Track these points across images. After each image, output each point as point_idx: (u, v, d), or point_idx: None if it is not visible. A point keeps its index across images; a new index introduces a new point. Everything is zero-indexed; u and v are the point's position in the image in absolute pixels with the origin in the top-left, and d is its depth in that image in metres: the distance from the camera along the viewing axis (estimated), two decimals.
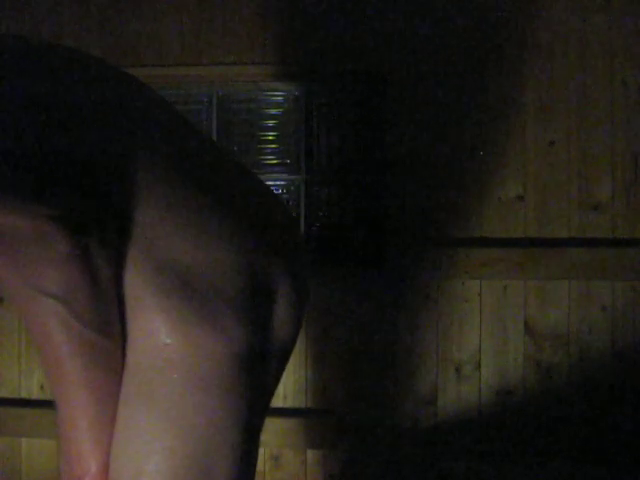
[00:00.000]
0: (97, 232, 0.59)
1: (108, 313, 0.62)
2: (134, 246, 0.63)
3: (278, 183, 2.46)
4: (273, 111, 2.48)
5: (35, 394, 2.42)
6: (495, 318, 2.24)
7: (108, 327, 0.62)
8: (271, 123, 2.48)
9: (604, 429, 2.18)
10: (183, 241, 0.65)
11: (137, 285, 0.64)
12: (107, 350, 0.62)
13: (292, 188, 2.45)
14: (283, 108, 2.47)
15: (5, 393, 2.43)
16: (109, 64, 0.72)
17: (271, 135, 2.48)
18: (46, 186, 0.55)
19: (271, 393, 0.79)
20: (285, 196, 2.46)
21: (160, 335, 0.64)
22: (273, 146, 2.48)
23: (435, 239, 2.27)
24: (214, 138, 2.46)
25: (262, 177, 2.59)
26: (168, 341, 0.64)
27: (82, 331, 0.60)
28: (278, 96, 2.47)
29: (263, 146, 2.48)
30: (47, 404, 2.40)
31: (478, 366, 2.25)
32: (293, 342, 0.79)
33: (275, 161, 2.47)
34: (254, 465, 0.75)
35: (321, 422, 2.27)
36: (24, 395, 2.42)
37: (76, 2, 2.42)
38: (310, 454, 2.30)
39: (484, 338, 2.25)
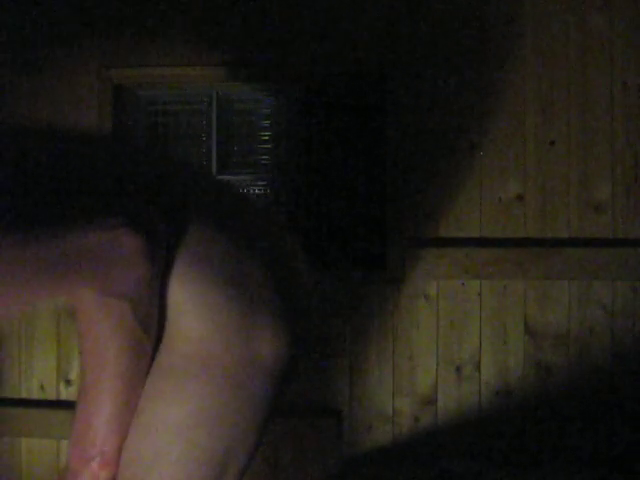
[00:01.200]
0: (157, 237, 0.67)
1: (154, 312, 0.69)
2: (182, 259, 0.70)
3: (277, 183, 2.46)
4: (273, 111, 2.48)
5: (35, 394, 2.42)
6: (495, 318, 2.24)
7: (151, 325, 0.69)
8: (271, 123, 2.48)
9: (604, 429, 2.18)
10: (230, 261, 0.73)
11: (181, 294, 0.70)
12: (145, 347, 0.69)
13: (291, 188, 2.45)
14: (281, 109, 2.47)
15: (5, 393, 2.43)
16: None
17: (271, 135, 2.48)
18: (118, 203, 0.66)
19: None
20: (284, 197, 2.46)
21: (200, 344, 0.70)
22: (273, 146, 2.48)
23: (435, 239, 2.27)
24: (214, 138, 2.46)
25: (261, 177, 2.59)
26: (206, 348, 0.70)
27: (136, 330, 0.66)
28: (277, 96, 2.47)
29: (263, 146, 2.48)
30: (47, 404, 2.40)
31: (478, 366, 2.25)
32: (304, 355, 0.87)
33: (274, 161, 2.47)
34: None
35: (321, 422, 2.27)
36: (24, 395, 2.42)
37: (76, 2, 2.42)
38: (310, 454, 2.30)
39: (484, 338, 2.25)
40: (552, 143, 2.24)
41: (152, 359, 0.71)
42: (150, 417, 0.70)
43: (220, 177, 2.34)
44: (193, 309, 0.70)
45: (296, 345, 0.77)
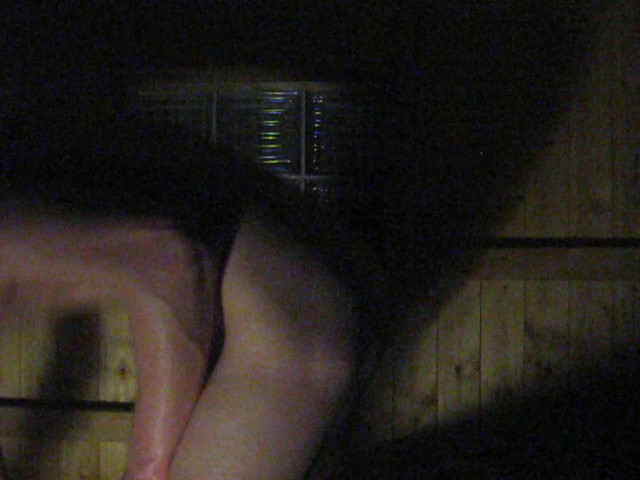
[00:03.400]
0: (208, 239, 0.67)
1: (204, 322, 0.68)
2: (243, 270, 0.70)
3: None
4: (273, 111, 2.48)
5: (35, 394, 2.42)
6: (495, 318, 2.25)
7: (201, 334, 0.68)
8: (271, 123, 2.48)
9: (604, 429, 2.18)
10: (292, 276, 0.72)
11: (242, 307, 0.70)
12: (194, 354, 0.68)
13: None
14: (283, 108, 2.48)
15: (5, 393, 2.43)
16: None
17: (271, 135, 2.48)
18: (165, 202, 0.67)
19: (334, 434, 0.83)
20: None
21: (256, 358, 0.70)
22: (273, 146, 2.48)
23: (435, 239, 2.27)
24: (214, 138, 2.46)
25: None
26: (263, 365, 0.70)
27: (179, 334, 0.66)
28: (278, 96, 2.47)
29: (263, 146, 2.48)
30: (47, 404, 2.40)
31: (478, 366, 2.25)
32: (368, 383, 0.85)
33: (275, 161, 2.47)
34: None
35: None
36: (24, 395, 2.42)
37: (76, 2, 2.42)
38: None
39: (484, 338, 2.25)
40: (552, 143, 2.24)
41: (209, 369, 0.71)
42: (201, 427, 0.70)
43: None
44: (251, 323, 0.70)
45: (356, 372, 0.75)
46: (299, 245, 0.74)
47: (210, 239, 0.67)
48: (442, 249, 2.25)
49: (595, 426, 2.19)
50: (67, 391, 2.40)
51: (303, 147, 2.44)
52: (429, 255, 2.25)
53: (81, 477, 2.39)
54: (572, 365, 2.21)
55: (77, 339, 2.39)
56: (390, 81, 2.32)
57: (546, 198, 2.24)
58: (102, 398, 2.38)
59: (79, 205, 0.62)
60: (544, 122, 2.25)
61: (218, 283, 0.69)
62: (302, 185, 2.44)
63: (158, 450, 0.68)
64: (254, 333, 0.69)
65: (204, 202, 0.70)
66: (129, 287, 0.65)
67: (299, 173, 2.44)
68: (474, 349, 2.25)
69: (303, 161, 2.44)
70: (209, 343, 0.69)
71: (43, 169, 0.65)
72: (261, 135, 2.48)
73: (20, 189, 0.62)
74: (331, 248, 0.78)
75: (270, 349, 0.69)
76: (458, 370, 2.26)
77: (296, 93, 2.46)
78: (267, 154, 2.47)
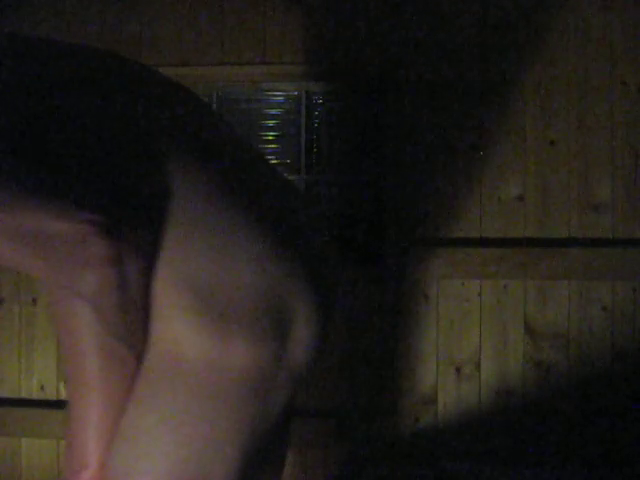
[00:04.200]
0: (132, 238, 0.61)
1: (132, 323, 0.64)
2: (163, 260, 0.65)
3: None
4: (273, 111, 2.48)
5: (35, 394, 2.42)
6: (495, 318, 2.25)
7: (130, 336, 0.64)
8: (271, 123, 2.48)
9: (604, 429, 2.18)
10: (209, 261, 0.67)
11: (160, 296, 0.66)
12: (124, 358, 0.64)
13: None
14: (283, 108, 2.48)
15: (5, 393, 2.43)
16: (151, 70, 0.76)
17: (271, 135, 2.48)
18: (88, 193, 0.58)
19: (280, 414, 0.78)
20: None
21: (174, 344, 0.66)
22: (273, 146, 2.48)
23: (435, 239, 2.27)
24: None
25: None
26: (181, 351, 0.66)
27: (104, 337, 0.62)
28: (278, 96, 2.48)
29: (263, 146, 2.48)
30: (47, 404, 2.40)
31: (478, 366, 2.25)
32: (310, 362, 0.80)
33: (275, 161, 2.47)
34: None
35: (321, 422, 2.27)
36: (24, 395, 2.42)
37: (76, 2, 2.42)
38: (310, 454, 2.30)
39: (484, 338, 2.25)
40: (552, 143, 2.24)
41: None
42: (126, 424, 0.66)
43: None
44: (165, 309, 0.66)
45: (279, 353, 0.71)
46: (226, 230, 0.69)
47: (137, 238, 0.61)
48: (442, 249, 2.25)
49: (595, 426, 2.19)
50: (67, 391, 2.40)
51: (303, 147, 2.44)
52: (429, 255, 2.25)
53: None
54: (572, 365, 2.21)
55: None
56: (390, 81, 2.32)
57: (546, 198, 2.24)
58: None
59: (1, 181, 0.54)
60: (544, 122, 2.25)
61: (147, 283, 0.65)
62: (302, 185, 2.44)
63: (92, 457, 0.65)
64: (170, 319, 0.66)
65: (133, 198, 0.62)
66: (52, 282, 0.60)
67: (299, 173, 2.44)
68: (474, 349, 2.25)
69: (303, 161, 2.44)
70: (140, 343, 0.66)
71: None
72: (261, 135, 2.48)
73: None
74: (264, 226, 0.72)
75: (187, 335, 0.66)
76: (458, 370, 2.26)
77: (296, 93, 2.46)
78: (267, 154, 2.47)
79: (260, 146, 2.48)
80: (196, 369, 0.66)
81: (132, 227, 0.61)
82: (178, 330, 0.66)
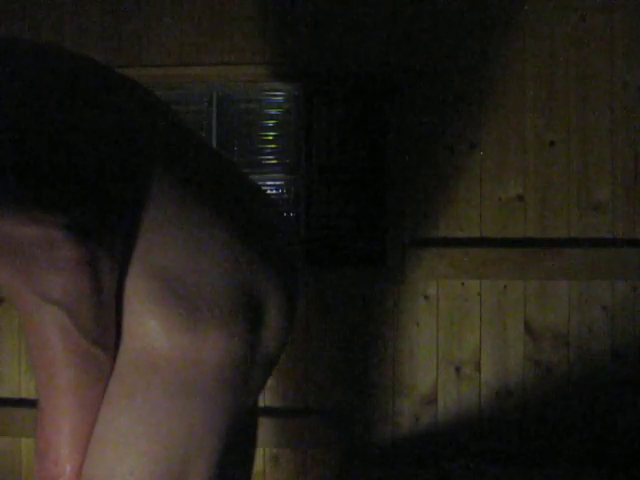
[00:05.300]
0: (104, 241, 0.60)
1: (105, 324, 0.63)
2: (134, 256, 0.64)
3: (278, 183, 2.46)
4: (273, 111, 2.48)
5: (35, 394, 2.42)
6: (495, 318, 2.25)
7: (104, 338, 0.63)
8: (271, 123, 2.48)
9: (604, 429, 2.18)
10: (177, 252, 0.66)
11: (129, 289, 0.64)
12: (99, 360, 0.63)
13: (292, 188, 2.45)
14: (283, 108, 2.47)
15: (5, 393, 2.43)
16: (113, 71, 0.73)
17: (271, 135, 2.48)
18: (56, 195, 0.56)
19: (253, 405, 0.79)
20: (285, 196, 2.46)
21: (146, 339, 0.65)
22: (273, 146, 2.48)
23: (435, 239, 2.27)
24: (214, 138, 2.46)
25: (262, 177, 2.59)
26: (153, 345, 0.65)
27: (78, 340, 0.60)
28: (278, 96, 2.47)
29: (263, 146, 2.48)
30: None
31: (478, 366, 2.25)
32: (281, 351, 0.79)
33: (275, 161, 2.47)
34: (232, 476, 0.75)
35: (321, 422, 2.27)
36: (24, 395, 2.42)
37: (76, 2, 2.42)
38: (310, 454, 2.30)
39: (484, 338, 2.25)
40: (552, 143, 2.24)
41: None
42: (102, 427, 0.64)
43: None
44: (136, 304, 0.64)
45: (252, 345, 0.71)
46: (194, 220, 0.68)
47: (110, 239, 0.60)
48: (441, 249, 2.25)
49: (595, 425, 2.19)
50: None
51: (303, 147, 2.44)
52: (429, 255, 2.25)
53: None
54: (572, 365, 2.21)
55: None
56: (389, 82, 2.32)
57: (546, 198, 2.24)
58: None
59: None
60: (544, 122, 2.25)
61: (117, 283, 0.63)
62: (301, 185, 2.44)
63: (67, 466, 0.63)
64: (141, 313, 0.64)
65: (104, 198, 0.60)
66: (17, 289, 0.58)
67: (299, 173, 2.44)
68: (474, 349, 2.25)
69: (303, 161, 2.44)
70: (114, 347, 0.64)
71: None
72: (261, 135, 2.48)
73: None
74: (231, 217, 0.72)
75: (159, 328, 0.64)
76: (458, 370, 2.26)
77: (296, 93, 2.46)
78: (267, 154, 2.47)
79: (259, 146, 2.48)
80: (170, 365, 0.65)
81: (104, 229, 0.60)
82: (150, 325, 0.65)
